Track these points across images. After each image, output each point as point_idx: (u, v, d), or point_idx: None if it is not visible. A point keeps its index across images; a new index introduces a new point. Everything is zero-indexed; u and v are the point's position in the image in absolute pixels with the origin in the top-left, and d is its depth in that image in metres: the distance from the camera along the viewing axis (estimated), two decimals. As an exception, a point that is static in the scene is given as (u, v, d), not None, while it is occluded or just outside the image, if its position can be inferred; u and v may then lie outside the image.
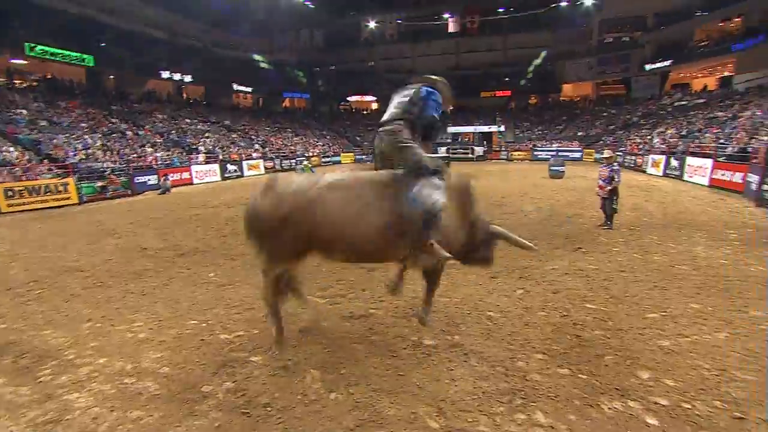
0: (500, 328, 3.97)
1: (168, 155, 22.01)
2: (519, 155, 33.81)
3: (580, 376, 3.19)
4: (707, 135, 19.61)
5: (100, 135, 20.88)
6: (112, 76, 29.29)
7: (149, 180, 18.48)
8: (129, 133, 22.92)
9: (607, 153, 8.25)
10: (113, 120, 23.67)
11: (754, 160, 12.54)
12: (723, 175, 13.56)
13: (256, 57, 41.26)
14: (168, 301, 4.95)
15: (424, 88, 3.47)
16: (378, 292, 4.93)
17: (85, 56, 25.11)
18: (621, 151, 26.06)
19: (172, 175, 19.31)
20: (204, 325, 4.26)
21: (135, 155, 20.34)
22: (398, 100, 3.50)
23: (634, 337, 3.74)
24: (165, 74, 30.73)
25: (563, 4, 33.44)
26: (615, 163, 7.87)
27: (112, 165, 18.17)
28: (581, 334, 3.81)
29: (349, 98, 46.38)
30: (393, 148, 3.29)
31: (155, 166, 19.96)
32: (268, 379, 3.27)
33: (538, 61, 39.38)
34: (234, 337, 3.97)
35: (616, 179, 7.71)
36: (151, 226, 9.74)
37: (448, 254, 3.20)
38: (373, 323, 4.16)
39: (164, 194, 16.88)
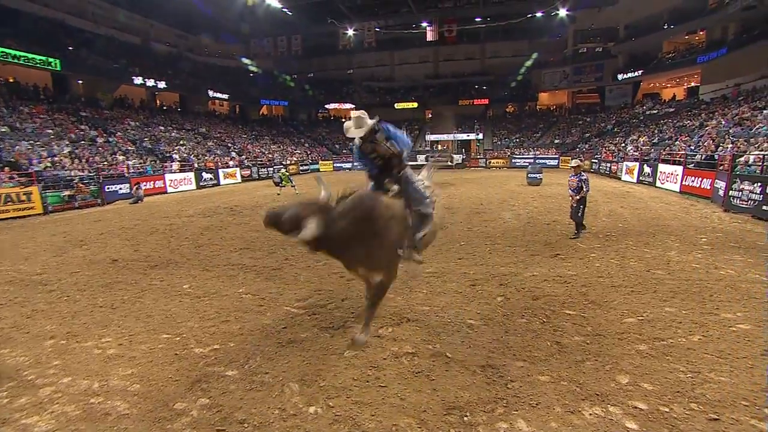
0: (481, 336, 3.99)
1: (141, 163, 21.51)
2: (497, 163, 34.41)
3: (561, 382, 3.22)
4: (677, 143, 20.38)
5: (67, 142, 20.23)
6: (80, 81, 28.46)
7: (121, 189, 18.03)
8: (99, 140, 22.31)
9: (574, 162, 8.22)
10: (82, 127, 22.97)
11: (721, 167, 13.02)
12: (693, 181, 14.04)
13: (233, 64, 40.93)
14: (139, 314, 4.79)
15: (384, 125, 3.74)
16: (358, 303, 4.89)
17: (51, 60, 24.28)
18: (596, 158, 26.83)
19: (144, 183, 18.87)
20: (178, 339, 4.14)
21: (106, 163, 19.78)
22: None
23: (613, 342, 3.82)
24: (138, 80, 29.89)
25: (539, 14, 34.37)
26: (582, 173, 7.89)
27: (81, 173, 17.62)
28: (561, 341, 3.86)
29: (327, 106, 46.36)
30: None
31: (127, 175, 19.48)
32: (244, 394, 3.19)
33: (525, 67, 40.18)
34: (209, 351, 3.86)
35: (585, 189, 7.69)
36: (122, 237, 9.47)
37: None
38: (354, 334, 4.11)
39: (136, 203, 16.46)
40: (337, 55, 44.35)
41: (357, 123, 3.65)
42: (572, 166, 8.06)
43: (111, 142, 22.84)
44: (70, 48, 26.66)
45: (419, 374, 3.39)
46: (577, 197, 7.75)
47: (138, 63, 30.80)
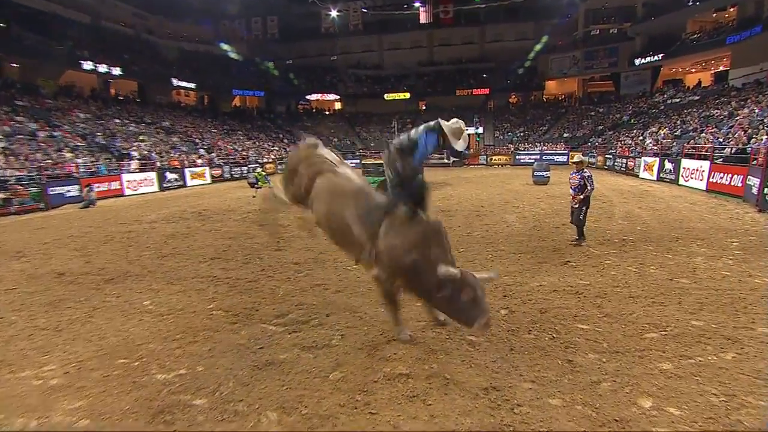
0: (483, 354, 3.99)
1: (93, 162, 21.26)
2: (499, 159, 34.72)
3: (574, 407, 3.23)
4: (703, 135, 20.61)
5: (1, 136, 19.85)
6: (16, 65, 27.72)
7: (69, 191, 17.75)
8: (41, 134, 21.93)
9: (577, 158, 8.27)
10: (19, 118, 22.50)
11: (755, 162, 13.02)
12: (721, 178, 14.19)
13: (201, 48, 40.71)
14: (91, 337, 4.70)
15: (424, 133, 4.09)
16: (344, 318, 4.87)
17: (-23, 40, 23.73)
18: (610, 153, 27.16)
19: (97, 185, 18.61)
20: (137, 363, 4.07)
21: (50, 161, 19.47)
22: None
23: (633, 360, 3.83)
24: (87, 65, 29.48)
25: (546, -8, 34.89)
26: (586, 170, 7.91)
27: (19, 173, 17.24)
28: (573, 359, 3.87)
29: (308, 96, 46.40)
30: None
31: (76, 175, 19.20)
32: (214, 426, 3.14)
33: (531, 52, 40.37)
34: (174, 377, 3.80)
35: (589, 187, 7.70)
36: (70, 247, 9.31)
37: None
38: (339, 353, 4.10)
39: (88, 208, 16.22)
40: (319, 39, 44.46)
41: (464, 137, 4.18)
42: (574, 162, 8.09)
43: (56, 136, 22.47)
44: (2, 25, 25.98)
45: (414, 398, 3.37)
46: (581, 196, 7.75)
47: (87, 45, 30.40)
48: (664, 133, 24.53)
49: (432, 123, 4.14)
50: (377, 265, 4.03)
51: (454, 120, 4.15)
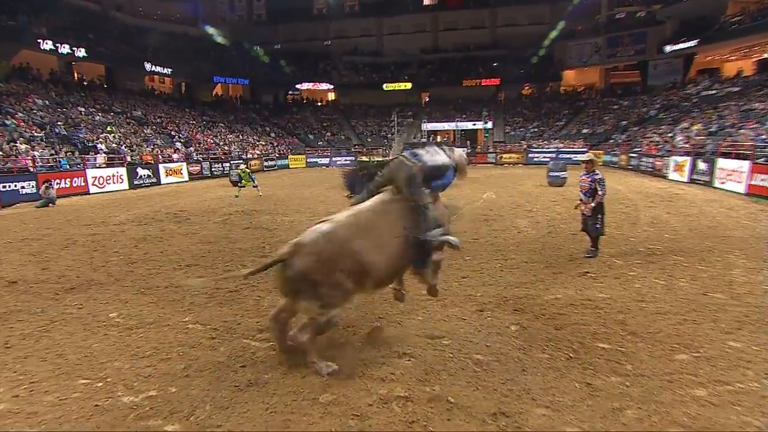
0: (491, 375, 3.98)
1: (52, 155, 21.21)
2: (510, 158, 34.82)
3: (593, 435, 3.22)
4: (743, 131, 20.60)
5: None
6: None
7: (23, 188, 17.75)
8: (-10, 122, 21.89)
9: (586, 156, 8.06)
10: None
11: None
12: (763, 180, 14.23)
13: (178, 29, 40.71)
14: (46, 354, 4.64)
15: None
16: (335, 333, 4.85)
17: None
18: (635, 152, 27.25)
19: (58, 181, 18.61)
20: (100, 384, 4.03)
21: (0, 153, 19.42)
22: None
23: (661, 384, 3.81)
24: (46, 45, 29.17)
25: (564, -30, 35.02)
26: (597, 171, 7.68)
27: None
28: (593, 382, 3.86)
29: (299, 86, 46.48)
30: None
31: (33, 170, 19.17)
32: (188, 454, 3.12)
33: (547, 38, 40.34)
34: (142, 400, 3.77)
35: (600, 191, 7.52)
36: (24, 251, 9.25)
37: None
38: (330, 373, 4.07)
39: (46, 207, 16.17)
40: (311, 21, 44.66)
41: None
42: (583, 162, 7.86)
43: (8, 125, 22.34)
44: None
45: (414, 424, 3.35)
46: (592, 203, 7.56)
47: (46, 22, 30.11)
48: (697, 129, 24.58)
49: (447, 157, 4.73)
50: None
51: (459, 153, 4.95)
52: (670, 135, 26.41)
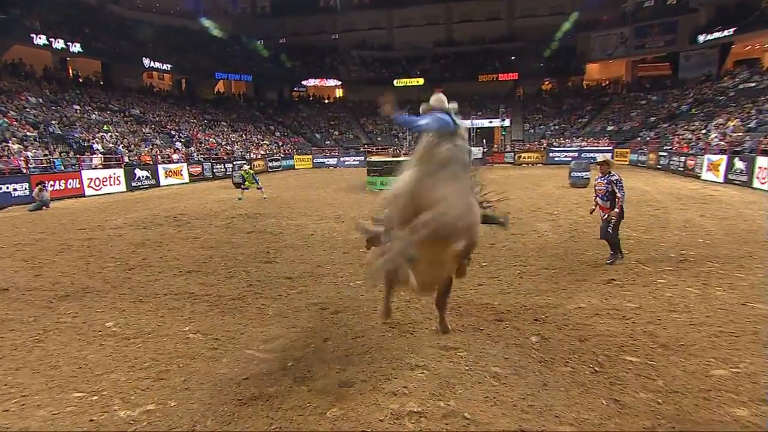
0: (511, 390, 3.95)
1: (46, 155, 21.42)
2: (530, 157, 34.74)
3: (621, 454, 3.19)
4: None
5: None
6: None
7: (15, 190, 17.89)
8: (-21, 121, 22.13)
9: (601, 157, 8.02)
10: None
11: None
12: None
13: (178, 23, 41.07)
14: (39, 365, 4.69)
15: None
16: (345, 344, 4.86)
17: None
18: (665, 150, 27.02)
19: (52, 183, 18.76)
20: (95, 398, 4.06)
21: (-10, 153, 19.66)
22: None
23: (696, 402, 3.76)
24: (39, 39, 29.31)
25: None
26: (613, 173, 7.60)
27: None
28: (621, 398, 3.82)
29: (305, 82, 46.68)
30: None
31: (25, 171, 19.35)
32: (188, 472, 3.13)
33: (568, 29, 40.00)
34: (140, 414, 3.79)
35: (620, 194, 7.42)
36: (17, 257, 9.35)
37: None
38: (339, 386, 4.08)
39: (39, 210, 16.34)
40: (317, 14, 44.85)
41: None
42: (598, 163, 7.85)
43: (0, 124, 22.54)
44: None
45: (428, 443, 3.34)
46: (615, 210, 7.42)
47: (39, 15, 30.37)
48: (734, 125, 24.31)
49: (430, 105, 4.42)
50: None
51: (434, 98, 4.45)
52: (703, 132, 26.18)
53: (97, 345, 5.11)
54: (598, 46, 40.94)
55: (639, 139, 33.10)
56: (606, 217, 7.60)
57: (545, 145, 36.18)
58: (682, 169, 23.47)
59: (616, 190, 7.46)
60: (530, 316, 5.52)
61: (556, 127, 39.46)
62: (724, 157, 19.56)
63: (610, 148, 32.82)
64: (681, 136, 27.62)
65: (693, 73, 36.63)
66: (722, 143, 22.11)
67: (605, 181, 7.59)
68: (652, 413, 3.62)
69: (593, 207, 7.90)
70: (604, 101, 40.77)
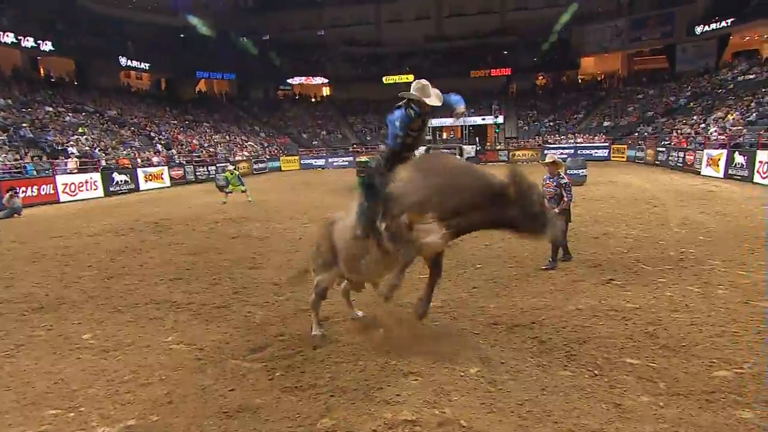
0: (507, 396, 3.96)
1: (17, 160, 21.26)
2: (524, 155, 34.85)
3: (622, 461, 3.20)
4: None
5: None
6: None
7: (-17, 197, 17.72)
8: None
9: (549, 157, 8.04)
10: None
11: None
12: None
13: (157, 19, 40.88)
14: (10, 381, 4.63)
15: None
16: (335, 352, 4.84)
17: None
18: (663, 145, 27.24)
19: (23, 189, 18.65)
20: (71, 415, 4.01)
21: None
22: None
23: (699, 405, 3.77)
24: (7, 38, 29.20)
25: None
26: (562, 174, 7.64)
27: None
28: (622, 402, 3.83)
29: (290, 80, 46.63)
30: None
31: (-7, 177, 19.20)
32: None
33: (562, 23, 40.15)
34: (120, 430, 3.76)
35: (566, 197, 7.49)
36: (-11, 267, 9.30)
37: None
38: (329, 396, 4.07)
39: (10, 218, 16.24)
40: (303, 9, 44.81)
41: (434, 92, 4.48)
42: (546, 163, 7.86)
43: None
44: None
45: (423, 453, 3.34)
46: (556, 209, 7.30)
47: (6, 12, 30.12)
48: (733, 119, 24.55)
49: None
50: None
51: (415, 82, 4.56)
52: (702, 126, 26.42)
53: (73, 359, 5.06)
54: (593, 39, 41.17)
55: (636, 134, 33.31)
56: None
57: (540, 142, 36.36)
58: (681, 164, 23.67)
59: (564, 193, 7.49)
60: (527, 319, 5.53)
61: (551, 124, 39.68)
62: (724, 152, 19.76)
63: (607, 144, 33.01)
64: (679, 131, 27.86)
65: (690, 66, 36.92)
66: (722, 137, 22.32)
67: (554, 183, 7.58)
68: (654, 417, 3.63)
69: None
70: (599, 96, 41.06)
